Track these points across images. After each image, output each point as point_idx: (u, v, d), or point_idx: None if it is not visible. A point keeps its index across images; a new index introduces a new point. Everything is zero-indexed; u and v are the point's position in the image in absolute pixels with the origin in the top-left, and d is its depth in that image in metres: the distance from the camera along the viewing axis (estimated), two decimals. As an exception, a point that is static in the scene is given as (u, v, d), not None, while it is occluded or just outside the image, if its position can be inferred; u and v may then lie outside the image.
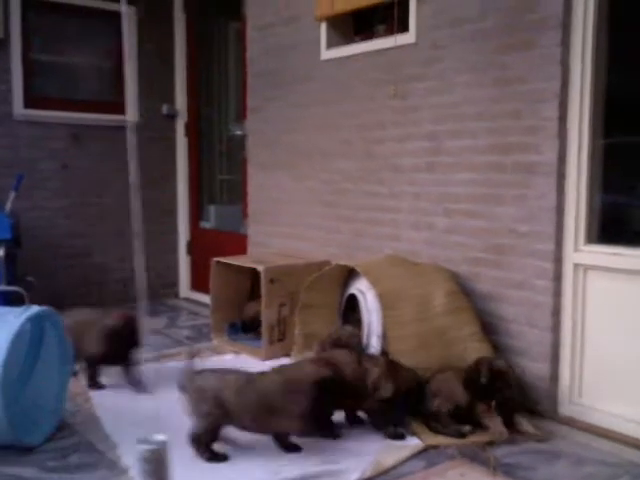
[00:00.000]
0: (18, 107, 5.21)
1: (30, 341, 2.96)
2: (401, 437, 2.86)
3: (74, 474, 2.55)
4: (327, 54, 4.32)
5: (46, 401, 2.99)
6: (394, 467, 2.63)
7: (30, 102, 5.27)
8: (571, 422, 3.10)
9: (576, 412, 3.12)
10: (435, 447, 2.80)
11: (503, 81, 3.28)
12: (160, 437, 2.10)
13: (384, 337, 3.27)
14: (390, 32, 3.89)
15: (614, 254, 2.99)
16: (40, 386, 2.97)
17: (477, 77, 3.40)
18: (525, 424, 2.95)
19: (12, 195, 4.65)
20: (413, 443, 2.82)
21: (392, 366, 2.94)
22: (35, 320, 2.87)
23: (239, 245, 5.16)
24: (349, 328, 3.41)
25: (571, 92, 3.07)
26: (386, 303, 3.23)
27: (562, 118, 3.07)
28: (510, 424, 2.90)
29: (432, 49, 3.62)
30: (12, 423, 2.64)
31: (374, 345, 3.33)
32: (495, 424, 2.86)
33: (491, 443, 2.81)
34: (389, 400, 2.86)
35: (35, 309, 2.83)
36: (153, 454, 2.07)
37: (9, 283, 4.39)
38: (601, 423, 3.02)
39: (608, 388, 3.03)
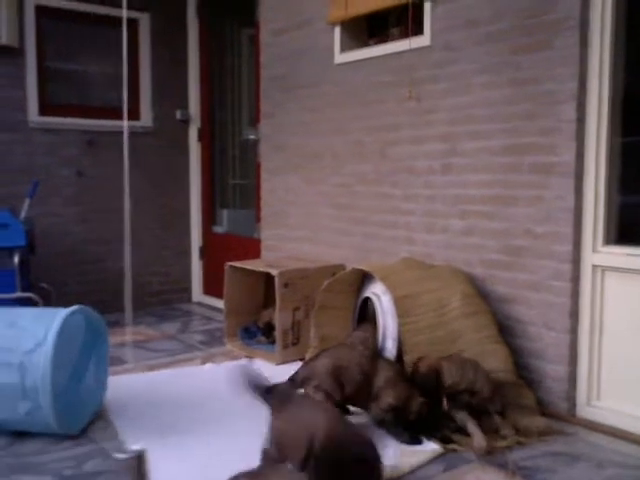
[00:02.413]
0: (33, 114, 5.24)
1: (84, 341, 3.20)
2: (417, 442, 2.82)
3: (89, 481, 2.55)
4: (341, 58, 4.32)
5: (88, 396, 3.18)
6: (411, 472, 2.60)
7: (45, 109, 5.30)
8: (590, 424, 3.06)
9: (594, 414, 3.08)
10: (454, 451, 2.77)
11: (519, 82, 3.26)
12: (137, 447, 2.11)
13: (400, 343, 3.24)
14: (404, 35, 3.89)
15: (633, 255, 2.95)
16: (87, 383, 3.20)
17: (492, 78, 3.39)
18: (527, 423, 2.93)
19: (27, 202, 4.68)
20: (430, 448, 2.78)
21: (400, 377, 2.91)
22: (88, 322, 3.16)
23: (252, 249, 5.16)
24: (360, 334, 3.39)
25: (589, 93, 3.05)
26: (402, 310, 3.21)
27: (580, 119, 3.05)
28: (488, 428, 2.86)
29: (447, 51, 3.61)
30: (59, 414, 2.83)
31: (389, 349, 3.30)
32: (476, 433, 2.80)
33: (509, 447, 2.78)
34: (395, 408, 2.83)
35: (84, 308, 3.07)
36: (130, 464, 2.08)
37: (24, 290, 4.41)
38: (620, 425, 2.98)
39: (627, 390, 2.99)
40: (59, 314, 2.89)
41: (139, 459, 2.05)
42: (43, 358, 2.77)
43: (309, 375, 2.90)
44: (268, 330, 4.35)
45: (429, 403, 2.85)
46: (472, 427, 2.82)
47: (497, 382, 2.95)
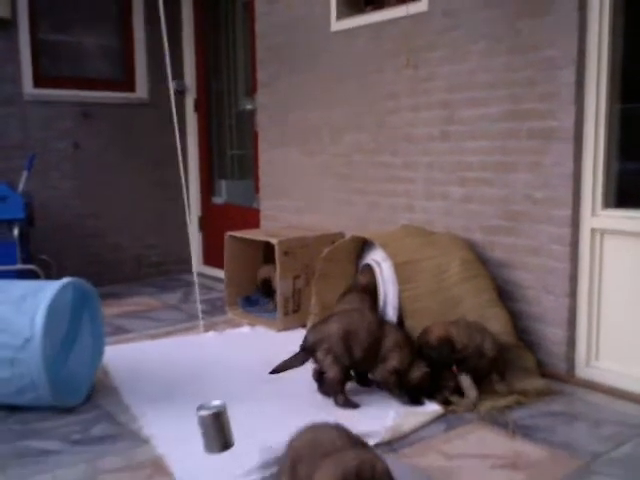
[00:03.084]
0: (28, 87, 5.21)
1: (72, 312, 3.16)
2: (419, 403, 2.88)
3: (97, 446, 2.59)
4: (337, 25, 4.30)
5: (82, 368, 3.15)
6: (413, 431, 2.66)
7: (39, 82, 5.27)
8: (589, 385, 3.12)
9: (593, 375, 3.14)
10: (454, 412, 2.82)
11: (518, 48, 3.26)
12: (218, 402, 2.14)
13: (400, 310, 3.28)
14: (402, 1, 3.86)
15: (632, 218, 2.99)
16: (79, 355, 3.17)
17: (491, 45, 3.38)
18: (526, 384, 2.99)
19: (24, 175, 4.67)
20: (431, 409, 2.84)
21: (406, 341, 2.96)
22: (76, 292, 3.11)
23: (251, 219, 5.18)
24: (355, 297, 3.43)
25: (588, 57, 3.05)
26: (402, 276, 3.24)
27: (579, 83, 3.06)
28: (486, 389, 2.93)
29: (445, 17, 3.59)
30: (55, 387, 2.80)
31: (390, 316, 3.34)
32: (469, 388, 2.88)
33: (509, 406, 2.84)
34: (398, 371, 2.88)
35: (73, 279, 3.02)
36: (215, 418, 2.11)
37: (24, 262, 4.43)
38: (619, 384, 3.03)
39: (625, 350, 3.04)
40: (43, 302, 2.79)
41: (218, 414, 2.08)
42: (34, 355, 2.72)
43: (320, 339, 2.93)
44: (266, 288, 4.39)
45: (432, 372, 2.90)
46: (466, 382, 2.89)
47: (500, 343, 3.00)
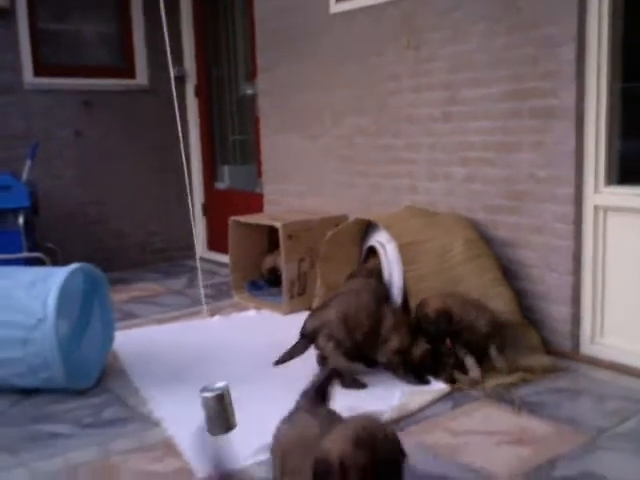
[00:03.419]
0: (28, 76, 5.20)
1: (83, 298, 3.23)
2: (425, 382, 2.91)
3: (108, 429, 2.62)
4: (336, 7, 4.28)
5: (93, 353, 3.21)
6: (420, 410, 2.68)
7: (39, 70, 5.26)
8: (593, 361, 3.14)
9: (598, 351, 3.16)
10: (460, 390, 2.85)
11: (519, 27, 3.25)
12: (221, 384, 2.17)
13: (405, 291, 3.30)
14: (401, -19, 3.84)
15: (635, 194, 2.99)
16: (90, 340, 3.23)
17: (492, 25, 3.37)
18: (532, 361, 3.02)
19: (28, 163, 4.68)
20: (437, 387, 2.87)
21: (404, 321, 2.99)
22: (87, 278, 3.17)
23: (254, 204, 5.19)
24: (361, 280, 3.45)
25: (588, 34, 3.04)
26: (406, 257, 3.25)
27: (579, 61, 3.05)
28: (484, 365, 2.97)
29: (445, -3, 3.58)
30: (67, 368, 2.86)
31: (395, 297, 3.36)
32: (472, 367, 2.92)
33: (515, 384, 2.87)
34: (400, 351, 2.91)
35: (82, 265, 3.07)
36: (218, 400, 2.13)
37: (30, 250, 4.46)
38: (623, 360, 3.05)
39: (630, 326, 3.06)
40: (54, 285, 2.84)
41: (221, 396, 2.10)
42: (47, 335, 2.77)
43: (320, 325, 2.95)
44: (272, 276, 4.41)
45: (432, 349, 2.93)
46: (469, 361, 2.93)
47: (498, 320, 3.02)
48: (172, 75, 4.15)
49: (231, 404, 2.11)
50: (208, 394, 2.11)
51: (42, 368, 2.82)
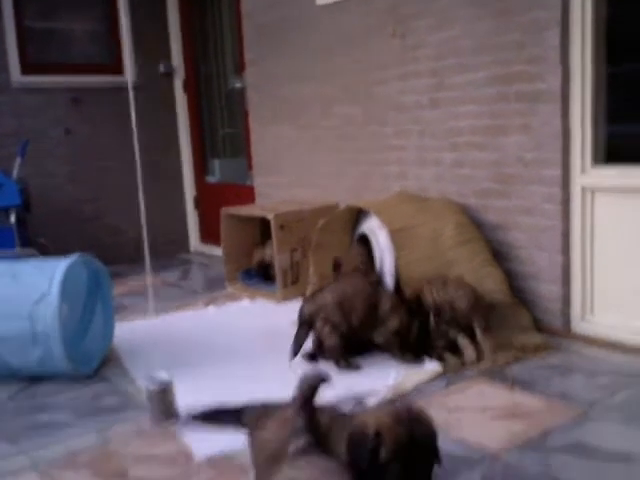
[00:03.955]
0: (15, 75, 5.21)
1: (87, 293, 3.34)
2: (420, 362, 2.95)
3: (107, 416, 2.64)
4: (323, -1, 4.31)
5: (96, 343, 3.31)
6: (415, 388, 2.72)
7: (27, 69, 5.27)
8: (584, 339, 3.19)
9: (588, 329, 3.21)
10: (454, 370, 2.89)
11: (503, 12, 3.28)
12: (164, 375, 2.27)
13: (398, 277, 3.33)
14: (387, -30, 3.88)
15: (621, 174, 3.04)
16: (93, 331, 3.34)
17: (477, 10, 3.41)
18: (524, 340, 3.06)
19: (18, 161, 4.70)
20: (432, 367, 2.91)
21: (400, 302, 3.04)
22: (90, 272, 3.30)
23: (246, 197, 5.22)
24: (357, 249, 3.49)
25: (572, 18, 3.08)
26: (397, 243, 3.29)
27: (564, 44, 3.09)
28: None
29: (430, -16, 3.61)
30: (71, 358, 2.95)
31: (388, 284, 3.39)
32: (466, 347, 2.97)
33: (508, 362, 2.91)
34: (399, 332, 2.95)
35: (85, 256, 3.19)
36: (161, 392, 2.26)
37: (22, 246, 4.47)
38: (613, 337, 3.10)
39: (619, 303, 3.11)
40: (60, 265, 2.97)
41: (165, 389, 2.18)
42: (50, 307, 2.85)
43: (316, 309, 2.98)
44: (262, 269, 4.44)
45: (420, 325, 3.00)
46: (462, 342, 2.98)
47: (478, 295, 3.06)
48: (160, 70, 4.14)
49: (174, 395, 2.29)
50: (153, 387, 2.32)
51: (42, 340, 2.87)
